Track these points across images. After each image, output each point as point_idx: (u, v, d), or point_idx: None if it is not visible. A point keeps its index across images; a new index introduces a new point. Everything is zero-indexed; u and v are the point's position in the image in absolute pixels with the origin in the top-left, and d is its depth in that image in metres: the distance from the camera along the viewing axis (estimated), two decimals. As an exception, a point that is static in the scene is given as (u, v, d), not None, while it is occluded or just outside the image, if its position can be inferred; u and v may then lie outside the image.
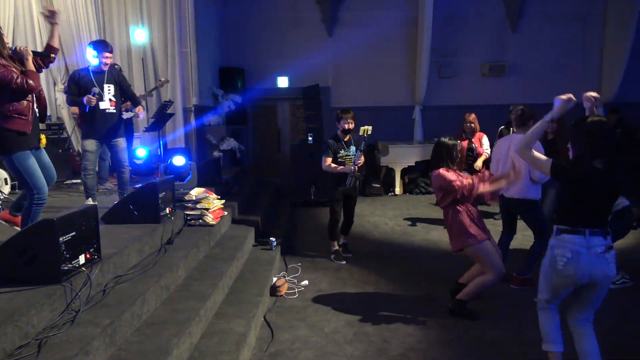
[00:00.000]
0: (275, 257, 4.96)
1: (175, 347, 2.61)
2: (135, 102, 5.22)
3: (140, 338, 2.69)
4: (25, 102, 3.30)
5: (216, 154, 8.83)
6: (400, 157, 9.40)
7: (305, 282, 4.55)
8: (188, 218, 4.68)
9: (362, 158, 5.18)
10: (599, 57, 10.18)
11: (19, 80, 3.15)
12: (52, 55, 3.61)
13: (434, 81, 10.28)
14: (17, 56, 3.32)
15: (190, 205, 4.71)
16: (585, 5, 10.16)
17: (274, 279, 4.40)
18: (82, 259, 2.78)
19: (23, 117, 3.29)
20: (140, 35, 7.75)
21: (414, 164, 9.47)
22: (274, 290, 4.23)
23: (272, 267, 4.60)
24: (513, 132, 6.16)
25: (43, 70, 3.71)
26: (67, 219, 2.67)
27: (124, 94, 5.04)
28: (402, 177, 9.56)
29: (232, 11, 10.20)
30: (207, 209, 4.72)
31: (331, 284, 4.59)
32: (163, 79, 7.10)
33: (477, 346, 3.32)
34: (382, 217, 7.52)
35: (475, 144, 6.75)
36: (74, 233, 2.70)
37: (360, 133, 5.18)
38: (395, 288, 4.46)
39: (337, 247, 5.40)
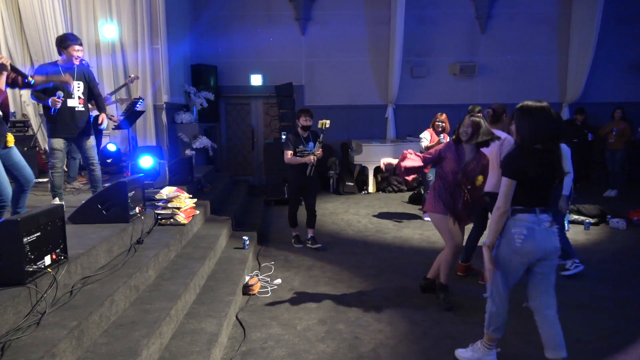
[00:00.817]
0: (248, 256, 4.94)
1: (144, 348, 2.58)
2: (100, 107, 4.99)
3: (108, 340, 2.65)
4: None
5: (188, 152, 8.73)
6: (373, 156, 9.47)
7: (278, 281, 4.56)
8: (159, 217, 4.62)
9: (320, 150, 5.55)
10: (565, 59, 10.49)
11: None
12: (31, 78, 3.57)
13: (406, 80, 10.41)
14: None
15: (161, 204, 4.65)
16: (551, 8, 10.46)
17: (247, 278, 4.40)
18: (47, 259, 2.72)
19: None
20: (109, 31, 7.59)
21: (386, 163, 9.56)
22: (246, 289, 4.22)
23: (245, 266, 4.59)
24: None
25: (16, 88, 3.69)
26: (31, 218, 2.61)
27: (91, 95, 4.90)
28: (375, 175, 9.66)
29: (205, 8, 10.09)
30: (178, 208, 4.67)
31: (304, 282, 4.61)
32: (133, 76, 6.99)
33: (444, 340, 3.39)
34: (355, 215, 7.59)
35: (446, 140, 6.92)
36: (38, 233, 2.64)
37: (319, 126, 5.53)
38: (367, 285, 4.52)
39: (296, 233, 5.94)
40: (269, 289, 4.38)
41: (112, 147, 7.18)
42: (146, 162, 5.83)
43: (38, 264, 2.63)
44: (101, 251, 3.43)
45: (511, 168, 2.72)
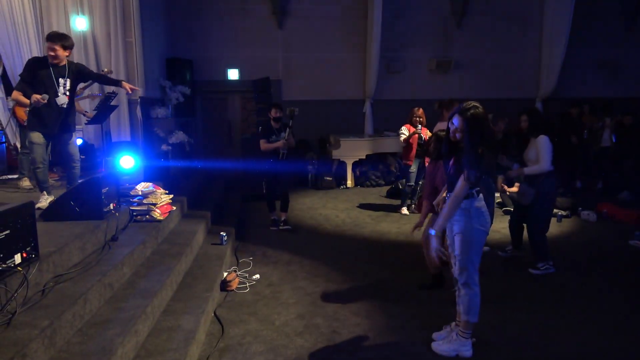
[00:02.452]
0: (226, 252, 4.91)
1: (120, 346, 2.54)
2: (112, 82, 5.01)
3: (82, 339, 2.61)
4: None
5: (164, 147, 8.59)
6: (351, 150, 9.52)
7: (257, 276, 4.55)
8: (134, 214, 4.55)
9: (291, 136, 6.21)
10: (538, 54, 10.69)
11: None
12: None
13: (383, 76, 10.46)
14: None
15: (136, 200, 4.58)
16: (524, 5, 10.64)
17: (225, 274, 4.37)
18: (17, 258, 2.65)
19: None
20: (80, 24, 7.39)
21: (364, 157, 9.62)
22: (224, 285, 4.20)
23: (222, 262, 4.56)
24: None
25: None
26: None
27: (95, 81, 4.82)
28: (353, 170, 9.69)
29: (181, 2, 9.92)
30: (154, 204, 4.60)
31: (282, 277, 4.61)
32: (106, 69, 6.82)
33: (421, 332, 3.44)
34: (333, 209, 7.61)
35: (424, 135, 7.01)
36: (7, 231, 2.57)
37: (287, 113, 6.23)
38: (345, 279, 4.54)
39: (274, 217, 6.50)
40: (248, 284, 4.37)
41: (79, 142, 6.98)
42: (127, 162, 5.64)
43: (7, 262, 2.56)
44: (74, 249, 3.36)
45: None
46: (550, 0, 10.20)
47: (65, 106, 4.58)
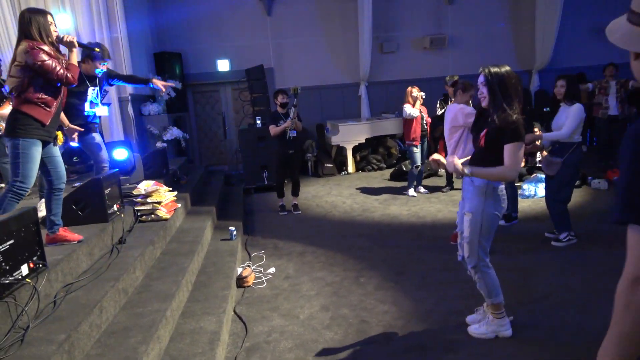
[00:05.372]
0: (237, 247, 4.73)
1: (144, 355, 2.37)
2: (140, 80, 4.80)
3: (102, 350, 2.42)
4: (55, 94, 3.09)
5: (159, 144, 8.34)
6: (350, 135, 9.32)
7: (272, 270, 4.37)
8: (139, 214, 4.34)
9: (297, 115, 6.24)
10: (532, 26, 10.50)
11: (60, 71, 3.00)
12: (97, 50, 3.63)
13: (377, 57, 10.23)
14: (59, 45, 3.13)
15: (140, 200, 4.37)
16: (516, -25, 10.43)
17: (239, 270, 4.19)
18: (24, 269, 2.45)
19: (47, 108, 3.05)
20: (63, 21, 7.08)
21: (364, 141, 9.44)
22: (240, 281, 4.02)
23: (235, 258, 4.37)
24: (451, 102, 6.39)
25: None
26: (1, 225, 2.33)
27: (126, 82, 4.74)
28: (353, 155, 9.51)
29: (163, -8, 9.59)
30: (159, 203, 4.40)
31: (298, 269, 4.44)
32: (94, 67, 6.55)
33: (452, 316, 3.30)
34: (338, 196, 7.44)
35: (424, 114, 6.87)
36: (11, 241, 2.36)
37: (292, 92, 6.22)
38: (364, 266, 4.38)
39: (282, 202, 6.59)
40: (264, 279, 4.19)
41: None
42: (120, 154, 5.47)
43: (14, 274, 2.36)
44: (82, 255, 3.16)
45: (520, 132, 2.65)
46: (541, -33, 10.00)
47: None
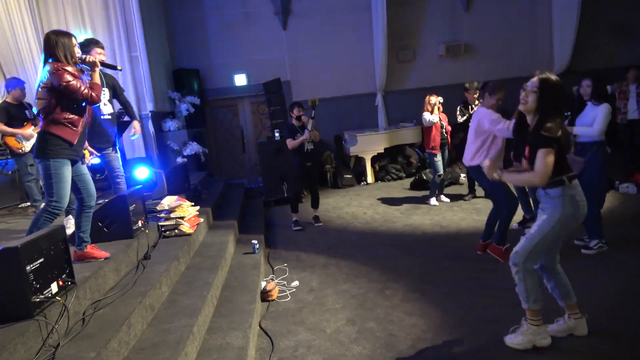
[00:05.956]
0: (260, 260, 4.71)
1: (173, 372, 2.35)
2: (131, 113, 4.77)
3: (131, 367, 2.42)
4: (80, 113, 3.18)
5: (179, 160, 8.43)
6: (369, 145, 9.28)
7: (296, 283, 4.34)
8: (162, 229, 4.37)
9: (316, 132, 6.23)
10: (549, 29, 10.38)
11: (85, 91, 3.10)
12: (119, 67, 3.65)
13: (393, 66, 10.22)
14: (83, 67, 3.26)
15: (163, 215, 4.39)
16: (531, -19, 10.34)
17: (263, 284, 4.16)
18: (54, 287, 2.47)
19: (74, 127, 3.13)
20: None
21: (382, 151, 9.39)
22: (264, 295, 3.99)
23: (258, 272, 4.36)
24: (472, 109, 6.36)
25: None
26: (31, 244, 2.35)
27: (119, 103, 4.63)
28: (372, 165, 9.46)
29: (180, 11, 9.76)
30: (182, 218, 4.42)
31: (322, 281, 4.40)
32: (116, 86, 6.67)
33: (483, 326, 3.21)
34: (359, 207, 7.39)
35: (444, 122, 6.80)
36: (42, 259, 2.39)
37: (310, 104, 6.18)
38: (388, 277, 4.31)
39: (296, 218, 6.46)
40: (288, 292, 4.16)
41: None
42: (142, 173, 5.53)
43: (45, 293, 2.38)
44: (108, 271, 3.18)
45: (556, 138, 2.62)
46: (557, -28, 9.90)
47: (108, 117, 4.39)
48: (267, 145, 8.17)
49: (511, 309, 3.35)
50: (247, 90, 10.17)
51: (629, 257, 4.17)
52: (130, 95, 7.52)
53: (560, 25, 10.14)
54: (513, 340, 2.90)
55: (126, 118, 6.05)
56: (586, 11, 9.86)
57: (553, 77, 2.68)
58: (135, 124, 4.73)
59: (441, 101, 6.79)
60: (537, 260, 2.86)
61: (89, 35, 7.28)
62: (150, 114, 7.92)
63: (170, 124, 8.65)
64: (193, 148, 8.68)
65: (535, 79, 2.70)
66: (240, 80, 10.18)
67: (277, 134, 8.22)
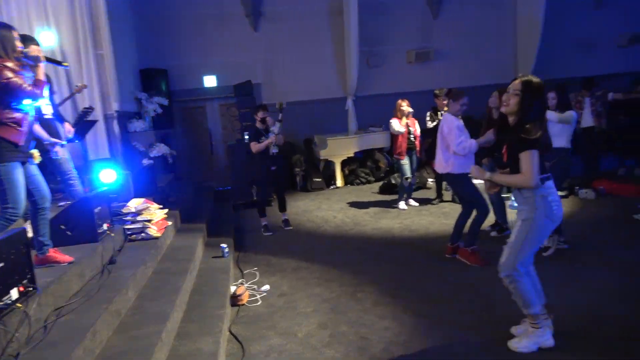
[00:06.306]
0: (229, 264, 4.64)
1: (141, 381, 2.27)
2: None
3: (97, 376, 2.32)
4: (24, 111, 2.99)
5: (146, 161, 8.21)
6: (339, 149, 9.33)
7: (267, 287, 4.29)
8: (129, 233, 4.24)
9: (280, 136, 6.16)
10: (514, 41, 10.72)
11: (27, 88, 2.92)
12: (66, 63, 3.58)
13: (364, 71, 10.29)
14: (24, 61, 3.05)
15: (130, 218, 4.27)
16: (497, -9, 10.65)
17: (233, 288, 4.10)
18: (14, 293, 2.35)
19: (18, 127, 2.94)
20: (47, 39, 6.98)
21: (352, 155, 9.44)
22: (234, 299, 3.93)
23: (228, 276, 4.29)
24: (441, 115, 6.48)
25: None
26: (-9, 248, 2.24)
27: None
28: (342, 169, 9.50)
29: (149, 10, 9.54)
30: (149, 221, 4.31)
31: (293, 285, 4.37)
32: (81, 84, 6.44)
33: (456, 331, 3.25)
34: (329, 210, 7.39)
35: (412, 128, 6.87)
36: (2, 264, 2.27)
37: (277, 107, 6.24)
38: (360, 281, 4.32)
39: (265, 222, 6.37)
40: (258, 296, 4.11)
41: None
42: (108, 175, 5.28)
43: (4, 299, 2.26)
44: (72, 276, 3.06)
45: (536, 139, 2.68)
46: (522, -17, 10.24)
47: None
48: (237, 148, 8.09)
49: (484, 313, 3.42)
50: (217, 92, 10.03)
51: (591, 257, 4.34)
52: (94, 94, 7.30)
53: (524, 36, 10.49)
54: (519, 345, 2.91)
55: (91, 117, 5.88)
56: (549, 24, 10.22)
57: (535, 79, 2.73)
58: (67, 124, 4.61)
59: (411, 112, 6.84)
60: (526, 265, 2.87)
61: (52, 32, 7.04)
62: (116, 114, 7.70)
63: (137, 125, 8.42)
64: (160, 150, 8.48)
65: (517, 82, 2.74)
66: (210, 81, 10.03)
67: (246, 137, 8.13)
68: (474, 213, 4.62)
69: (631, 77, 8.53)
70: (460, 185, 4.68)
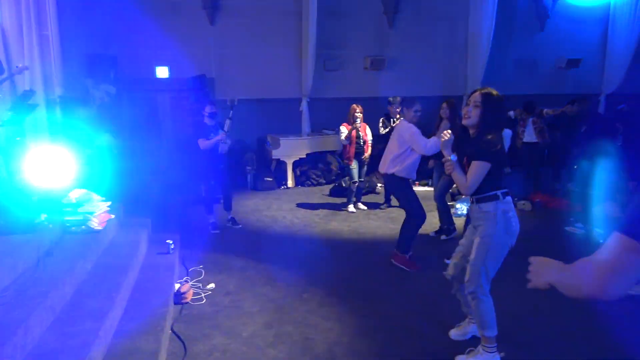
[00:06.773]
0: (174, 261, 4.53)
1: (75, 380, 2.18)
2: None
3: (27, 375, 2.20)
4: None
5: (90, 151, 7.85)
6: (291, 150, 9.33)
7: (212, 285, 4.22)
8: (68, 224, 4.04)
9: (229, 127, 6.13)
10: (465, 54, 11.16)
11: None
12: None
13: (320, 73, 10.35)
14: None
15: (70, 209, 4.07)
16: (451, 4, 11.02)
17: (177, 286, 4.00)
18: (-63, 285, 2.19)
19: None
20: (-15, 14, 6.53)
21: (304, 156, 9.47)
22: (178, 297, 3.84)
23: (172, 273, 4.19)
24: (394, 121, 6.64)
25: None
26: None
27: None
28: (293, 169, 9.50)
29: (100, -8, 9.14)
30: (91, 213, 4.12)
31: (239, 284, 4.33)
32: (20, 65, 6.08)
33: (400, 332, 3.34)
34: (278, 210, 7.38)
35: (362, 133, 6.96)
36: None
37: (228, 102, 6.34)
38: (307, 282, 4.35)
39: (213, 220, 6.30)
40: (203, 295, 4.04)
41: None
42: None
43: None
44: (3, 269, 2.88)
45: (494, 152, 2.73)
46: (474, 2, 10.67)
47: None
48: (186, 143, 7.89)
49: (428, 317, 3.54)
50: (169, 84, 9.76)
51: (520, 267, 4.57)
52: (37, 77, 6.91)
53: (474, 52, 10.95)
54: None
55: (32, 101, 5.56)
56: (496, 42, 10.73)
57: (494, 92, 2.79)
58: None
59: (361, 120, 6.93)
60: (489, 282, 2.87)
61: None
62: (59, 99, 7.31)
63: (82, 112, 8.04)
64: (105, 139, 8.14)
65: (477, 94, 2.80)
66: (162, 72, 9.74)
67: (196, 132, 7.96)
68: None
69: (568, 98, 9.10)
70: (400, 188, 4.78)
